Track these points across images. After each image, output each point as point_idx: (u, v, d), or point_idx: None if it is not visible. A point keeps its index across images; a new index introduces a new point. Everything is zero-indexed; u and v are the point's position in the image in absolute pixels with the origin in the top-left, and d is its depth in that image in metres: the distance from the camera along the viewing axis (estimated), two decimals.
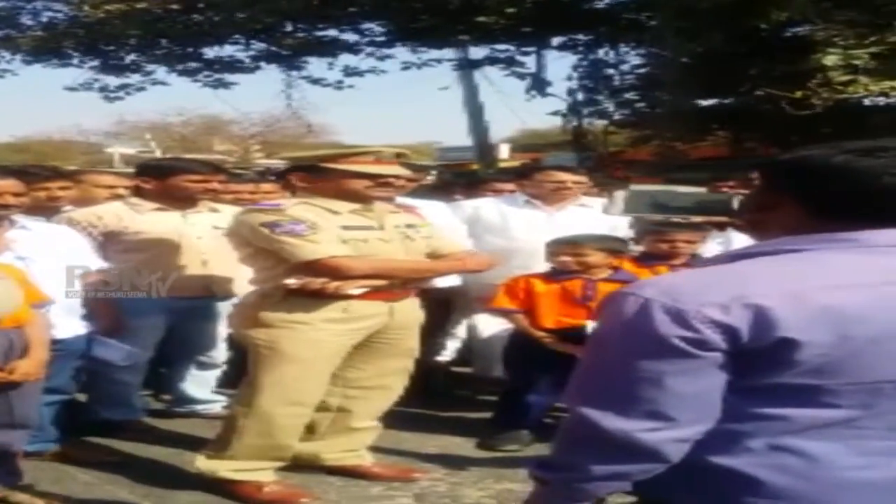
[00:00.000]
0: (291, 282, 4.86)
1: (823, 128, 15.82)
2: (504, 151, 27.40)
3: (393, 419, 5.78)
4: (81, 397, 6.25)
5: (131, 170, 7.16)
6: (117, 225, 6.04)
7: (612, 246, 6.09)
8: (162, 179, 6.19)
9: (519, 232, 6.90)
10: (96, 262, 5.58)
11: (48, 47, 21.82)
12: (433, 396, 7.03)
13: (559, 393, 6.03)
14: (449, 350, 7.60)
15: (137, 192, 6.31)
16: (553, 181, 6.99)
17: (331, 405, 5.32)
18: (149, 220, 6.10)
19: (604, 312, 2.03)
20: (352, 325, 5.00)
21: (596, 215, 6.59)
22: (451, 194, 8.46)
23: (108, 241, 5.99)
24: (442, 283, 6.34)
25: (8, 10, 21.95)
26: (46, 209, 5.81)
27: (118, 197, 6.49)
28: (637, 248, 6.52)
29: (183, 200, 6.18)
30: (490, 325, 7.00)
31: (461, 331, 7.57)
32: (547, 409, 6.19)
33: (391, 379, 5.40)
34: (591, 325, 5.67)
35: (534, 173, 7.29)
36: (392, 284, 5.03)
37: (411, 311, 5.29)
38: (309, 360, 4.95)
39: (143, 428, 6.38)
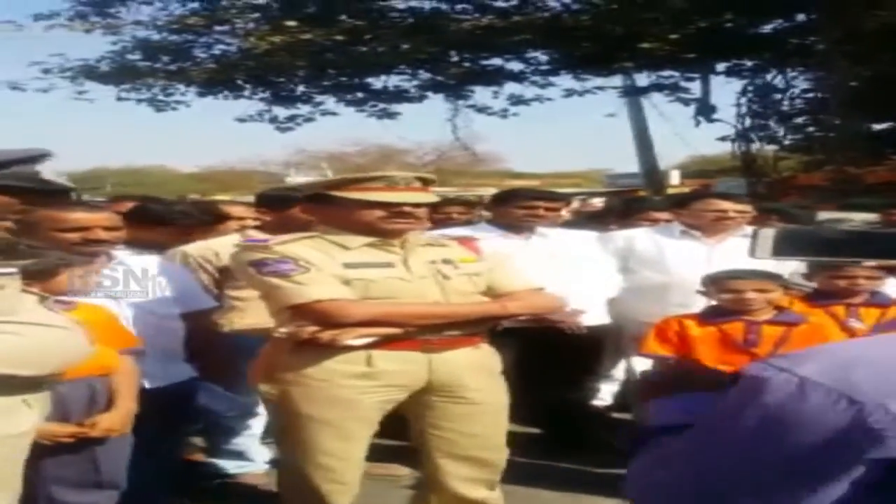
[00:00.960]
0: (283, 330, 4.10)
1: None
2: (675, 178, 27.14)
3: (539, 477, 5.39)
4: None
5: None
6: None
7: (779, 283, 5.46)
8: (281, 210, 5.70)
9: (676, 266, 6.26)
10: (204, 301, 5.12)
11: (220, 80, 22.35)
12: (588, 449, 6.25)
13: None
14: (605, 394, 7.11)
15: (264, 225, 5.84)
16: (713, 210, 6.36)
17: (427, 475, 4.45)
18: None
19: (737, 393, 1.45)
20: (381, 380, 4.08)
21: None
22: (605, 224, 7.85)
23: (225, 277, 5.49)
24: (590, 321, 6.00)
25: (180, 44, 22.48)
26: (159, 244, 5.49)
27: (243, 229, 6.01)
28: (808, 284, 5.88)
29: (302, 231, 5.44)
30: (645, 367, 6.47)
31: (619, 373, 7.06)
32: None
33: (476, 450, 4.32)
34: None
35: (692, 201, 6.65)
36: (421, 332, 4.09)
37: (462, 365, 4.21)
38: (332, 422, 4.08)
39: (260, 480, 5.75)
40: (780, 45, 18.77)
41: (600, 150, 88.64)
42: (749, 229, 6.38)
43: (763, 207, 7.41)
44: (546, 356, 6.03)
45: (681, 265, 6.25)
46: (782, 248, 1.97)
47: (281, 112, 23.76)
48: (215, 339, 5.15)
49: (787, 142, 20.85)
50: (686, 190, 24.05)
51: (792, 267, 6.12)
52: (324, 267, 4.03)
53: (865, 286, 5.52)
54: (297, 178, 35.27)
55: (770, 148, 21.40)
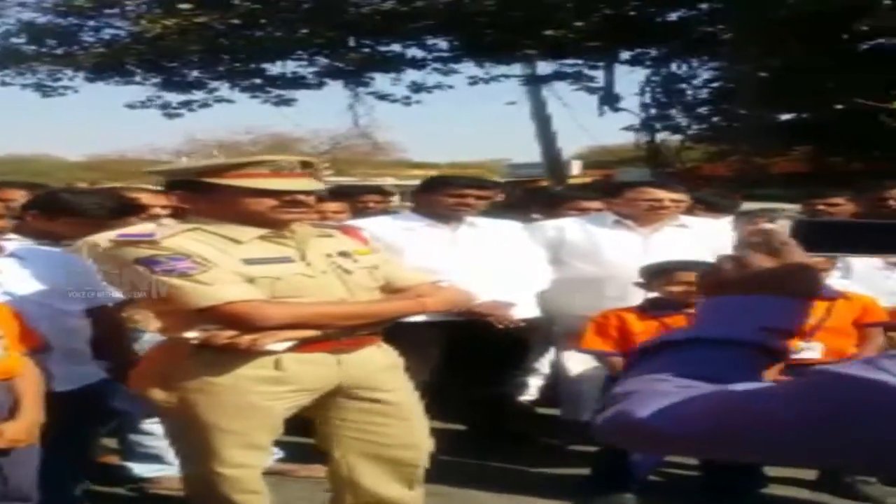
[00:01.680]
0: (192, 335, 3.65)
1: None
2: (575, 168, 27.01)
3: (466, 475, 5.14)
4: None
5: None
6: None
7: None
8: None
9: (611, 257, 6.04)
10: (111, 296, 4.61)
11: (110, 64, 21.64)
12: (515, 446, 6.18)
13: None
14: (532, 388, 6.87)
15: (176, 212, 5.36)
16: (648, 199, 6.10)
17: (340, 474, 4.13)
18: None
19: (808, 391, 1.33)
20: (291, 384, 3.78)
21: (697, 237, 5.96)
22: (527, 213, 7.44)
23: None
24: (519, 314, 5.75)
25: (67, 27, 21.78)
26: (60, 235, 5.07)
27: (154, 217, 5.58)
28: None
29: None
30: (578, 363, 6.18)
31: (545, 366, 6.85)
32: (654, 466, 5.42)
33: (391, 450, 4.07)
34: None
35: (624, 190, 6.38)
36: (334, 332, 3.81)
37: (370, 364, 3.98)
38: (237, 430, 3.76)
39: (176, 484, 5.24)
40: (686, 33, 18.60)
41: (502, 140, 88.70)
42: (684, 218, 6.12)
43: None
44: (472, 350, 5.86)
45: (616, 256, 6.03)
46: (813, 242, 1.64)
47: (173, 98, 23.15)
48: (125, 336, 4.83)
49: (691, 131, 20.76)
50: (588, 180, 24.03)
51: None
52: (221, 263, 3.64)
53: None
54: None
55: (674, 138, 21.36)
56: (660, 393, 1.39)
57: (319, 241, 3.95)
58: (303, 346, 3.73)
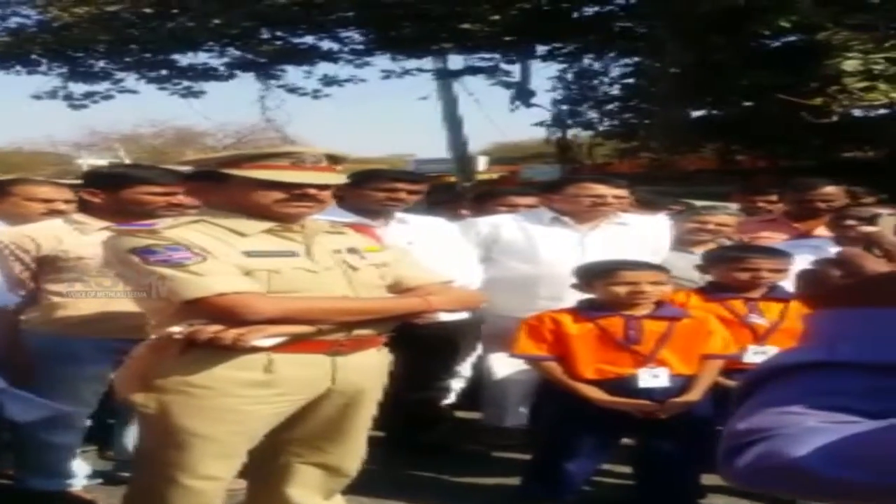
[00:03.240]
0: (176, 329, 3.48)
1: (813, 139, 15.53)
2: (481, 164, 26.96)
3: (385, 484, 4.95)
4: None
5: (76, 181, 5.94)
6: (55, 248, 4.88)
7: (664, 275, 5.15)
8: (114, 191, 4.99)
9: (547, 255, 5.88)
10: (9, 297, 4.52)
11: (14, 53, 21.10)
12: (436, 453, 6.02)
13: (602, 457, 5.19)
14: (453, 392, 6.61)
15: (83, 206, 5.18)
16: (590, 195, 5.94)
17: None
18: (94, 242, 4.65)
19: None
20: (280, 388, 3.60)
21: (636, 235, 5.90)
22: (455, 210, 7.35)
23: (43, 269, 4.87)
24: (447, 315, 5.50)
25: None
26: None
27: (57, 213, 5.41)
28: (702, 278, 5.60)
29: (139, 217, 4.48)
30: (503, 366, 6.05)
31: (466, 369, 6.59)
32: (587, 477, 5.24)
33: (336, 457, 3.96)
34: (642, 375, 4.89)
35: (565, 185, 6.19)
36: (331, 331, 3.64)
37: (368, 370, 3.85)
38: (215, 437, 3.58)
39: (78, 500, 5.21)
40: (603, 28, 18.62)
41: (410, 135, 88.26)
42: (623, 216, 6.02)
43: None
44: (395, 353, 5.57)
45: (552, 254, 5.89)
46: None
47: (77, 89, 22.60)
48: (18, 339, 4.67)
49: (602, 128, 20.81)
50: (494, 176, 24.01)
51: (666, 257, 5.87)
52: (221, 255, 3.49)
53: (768, 279, 5.24)
54: (88, 160, 34.07)
55: (585, 134, 21.41)
56: (811, 430, 1.19)
57: (329, 237, 3.83)
58: (297, 345, 3.56)
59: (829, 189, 6.92)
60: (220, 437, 3.58)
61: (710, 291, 5.36)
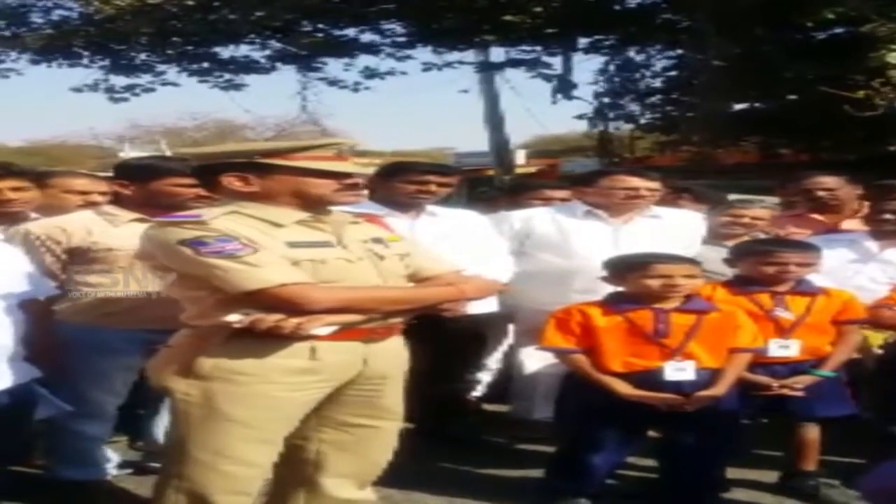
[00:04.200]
0: (234, 318, 3.55)
1: (856, 132, 15.37)
2: (520, 157, 26.88)
3: (410, 477, 4.89)
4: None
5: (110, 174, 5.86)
6: (85, 239, 4.90)
7: (697, 268, 5.08)
8: (144, 183, 5.02)
9: (581, 248, 5.85)
10: (44, 288, 4.44)
11: (57, 46, 21.23)
12: (459, 446, 5.99)
13: (627, 450, 5.17)
14: (481, 385, 6.66)
15: (116, 198, 5.20)
16: (624, 187, 5.91)
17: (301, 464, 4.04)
18: (124, 234, 4.84)
19: None
20: (322, 375, 3.71)
21: (669, 228, 5.87)
22: (493, 204, 7.36)
23: (73, 259, 4.90)
24: (477, 308, 5.26)
25: (16, 8, 21.40)
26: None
27: (94, 205, 5.43)
28: (729, 272, 5.50)
29: (169, 209, 4.40)
30: (535, 360, 5.97)
31: (494, 362, 6.63)
32: (611, 470, 5.19)
33: (363, 447, 4.00)
34: (669, 368, 4.85)
35: (599, 178, 6.15)
36: (370, 319, 3.73)
37: (393, 356, 3.97)
38: (255, 423, 3.65)
39: (109, 489, 5.25)
40: (646, 20, 18.49)
41: (451, 128, 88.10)
42: (656, 209, 5.97)
43: (674, 186, 7.06)
44: (425, 346, 5.53)
45: (585, 248, 5.84)
46: None
47: (119, 82, 22.61)
48: (52, 330, 4.61)
49: (644, 121, 20.69)
50: (532, 170, 23.94)
51: (699, 250, 5.84)
52: (268, 246, 3.56)
53: (795, 273, 5.17)
54: (131, 153, 34.29)
55: (626, 127, 21.28)
56: None
57: (354, 227, 3.90)
58: (341, 333, 3.65)
59: (824, 178, 6.94)
60: (261, 423, 3.65)
61: (736, 284, 5.30)
